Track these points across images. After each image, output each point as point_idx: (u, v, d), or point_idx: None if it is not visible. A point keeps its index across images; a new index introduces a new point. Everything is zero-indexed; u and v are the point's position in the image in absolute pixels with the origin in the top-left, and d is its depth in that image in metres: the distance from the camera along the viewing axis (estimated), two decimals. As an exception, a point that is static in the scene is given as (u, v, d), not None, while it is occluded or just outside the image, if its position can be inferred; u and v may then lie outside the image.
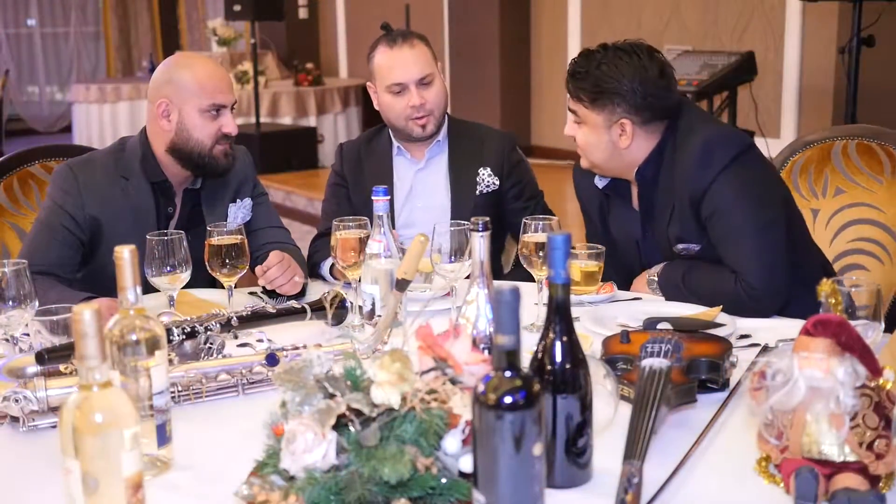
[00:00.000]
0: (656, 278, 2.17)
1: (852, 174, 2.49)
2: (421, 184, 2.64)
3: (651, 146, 2.16)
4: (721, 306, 1.96)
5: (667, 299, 2.12)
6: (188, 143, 2.22)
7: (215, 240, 1.99)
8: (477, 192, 2.58)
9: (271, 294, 2.15)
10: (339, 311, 1.90)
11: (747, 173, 2.08)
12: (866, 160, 2.50)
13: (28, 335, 1.65)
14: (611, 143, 2.15)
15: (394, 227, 2.41)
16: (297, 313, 1.87)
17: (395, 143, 2.63)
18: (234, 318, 1.77)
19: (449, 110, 2.68)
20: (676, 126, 2.16)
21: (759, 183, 2.11)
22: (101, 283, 2.10)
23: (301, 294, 2.16)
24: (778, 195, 2.17)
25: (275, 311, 1.85)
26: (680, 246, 2.16)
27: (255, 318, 1.81)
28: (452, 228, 1.83)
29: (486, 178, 2.59)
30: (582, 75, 2.14)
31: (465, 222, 1.71)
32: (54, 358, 1.51)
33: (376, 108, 2.61)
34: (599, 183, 2.29)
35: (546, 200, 2.68)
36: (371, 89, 2.61)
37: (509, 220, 2.59)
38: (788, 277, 2.04)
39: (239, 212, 2.37)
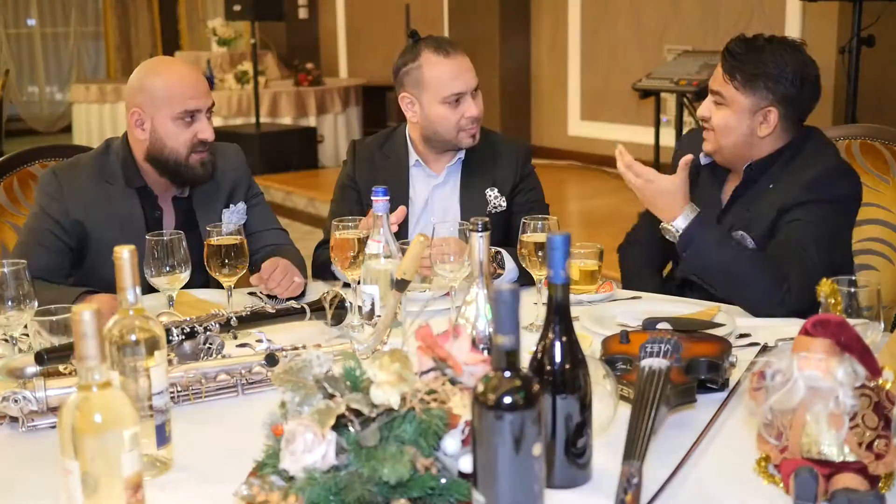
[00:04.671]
0: (678, 230, 2.05)
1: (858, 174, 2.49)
2: (435, 199, 2.53)
3: (776, 147, 2.18)
4: (719, 305, 1.96)
5: (680, 251, 2.04)
6: (163, 152, 2.20)
7: (214, 240, 1.99)
8: (487, 210, 2.47)
9: (271, 294, 2.15)
10: (339, 311, 1.90)
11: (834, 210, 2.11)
12: (871, 160, 2.49)
13: (27, 335, 1.65)
14: (749, 128, 2.16)
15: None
16: (297, 313, 1.87)
17: (414, 156, 2.50)
18: (234, 319, 1.77)
19: None
20: (803, 143, 2.18)
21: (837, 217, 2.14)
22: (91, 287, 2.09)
23: (301, 295, 2.15)
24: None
25: (274, 311, 1.85)
26: (739, 233, 2.15)
27: (254, 319, 1.81)
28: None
29: (493, 200, 2.48)
30: (742, 56, 2.14)
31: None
32: (54, 358, 1.51)
33: (412, 119, 2.44)
34: (703, 160, 2.29)
35: (546, 202, 2.60)
36: (407, 100, 2.42)
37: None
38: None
39: (233, 216, 2.34)
